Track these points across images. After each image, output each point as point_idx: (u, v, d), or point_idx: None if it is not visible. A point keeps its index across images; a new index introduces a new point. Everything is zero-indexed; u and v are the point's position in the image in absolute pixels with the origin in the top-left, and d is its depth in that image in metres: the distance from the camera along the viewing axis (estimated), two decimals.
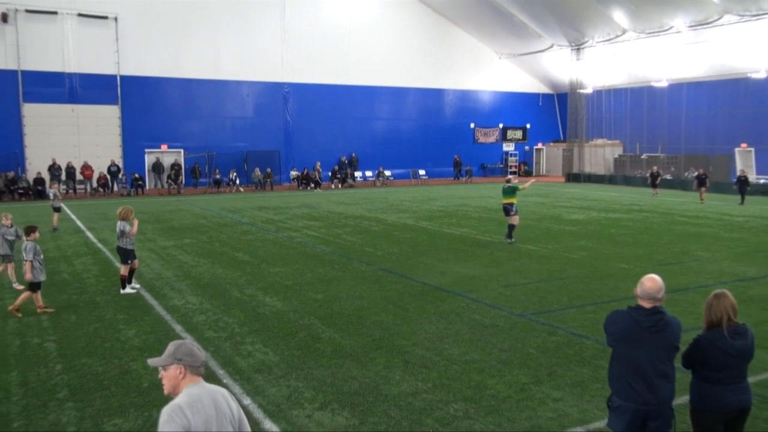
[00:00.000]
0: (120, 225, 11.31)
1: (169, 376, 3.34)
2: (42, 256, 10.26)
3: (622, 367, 4.46)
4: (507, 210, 16.76)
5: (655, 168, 33.13)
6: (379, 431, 5.94)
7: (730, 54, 34.09)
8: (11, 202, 29.80)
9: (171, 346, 3.40)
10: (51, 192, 21.00)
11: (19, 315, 9.95)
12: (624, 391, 4.44)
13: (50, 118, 33.21)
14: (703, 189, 28.23)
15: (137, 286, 11.80)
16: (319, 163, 38.34)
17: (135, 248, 11.72)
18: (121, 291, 11.42)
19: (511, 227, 16.68)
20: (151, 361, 3.45)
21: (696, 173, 30.81)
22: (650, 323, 4.42)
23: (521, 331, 8.98)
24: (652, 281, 4.50)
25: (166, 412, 3.19)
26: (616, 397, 4.51)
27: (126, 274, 11.49)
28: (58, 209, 20.15)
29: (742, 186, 27.10)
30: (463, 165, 43.21)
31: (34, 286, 10.08)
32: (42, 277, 10.18)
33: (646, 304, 4.48)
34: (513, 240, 16.58)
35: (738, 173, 28.93)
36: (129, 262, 11.42)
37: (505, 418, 6.21)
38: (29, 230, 10.37)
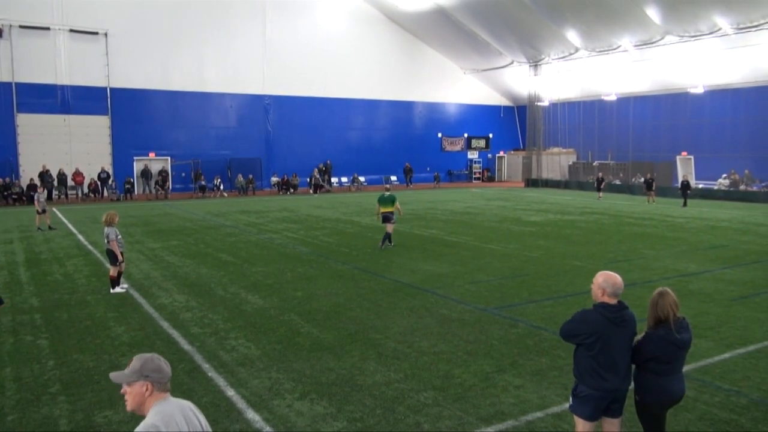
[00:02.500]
0: (106, 231, 11.03)
1: (134, 393, 2.98)
2: None
3: (595, 362, 4.39)
4: (387, 218, 15.63)
5: (600, 174, 33.89)
6: (354, 418, 5.91)
7: (671, 71, 34.80)
8: (5, 207, 29.12)
9: (136, 361, 3.01)
10: (41, 196, 20.64)
11: None
12: (595, 382, 4.40)
13: (43, 127, 32.49)
14: (651, 192, 29.00)
15: (126, 285, 11.59)
16: (316, 170, 38.76)
17: (124, 250, 11.52)
18: (111, 291, 11.20)
19: (387, 235, 15.69)
20: (115, 377, 3.03)
21: (644, 178, 31.48)
22: (620, 318, 4.42)
23: (485, 324, 9.02)
24: (618, 278, 4.47)
25: None
26: (585, 386, 4.45)
27: (115, 275, 11.26)
28: (43, 211, 19.99)
29: (684, 190, 27.73)
30: (414, 172, 42.97)
31: None
32: None
33: (612, 301, 4.45)
34: (384, 247, 15.57)
35: (681, 178, 29.60)
36: (117, 263, 11.22)
37: (471, 404, 6.22)
38: None
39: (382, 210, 15.65)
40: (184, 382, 6.76)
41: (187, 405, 3.07)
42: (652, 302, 4.59)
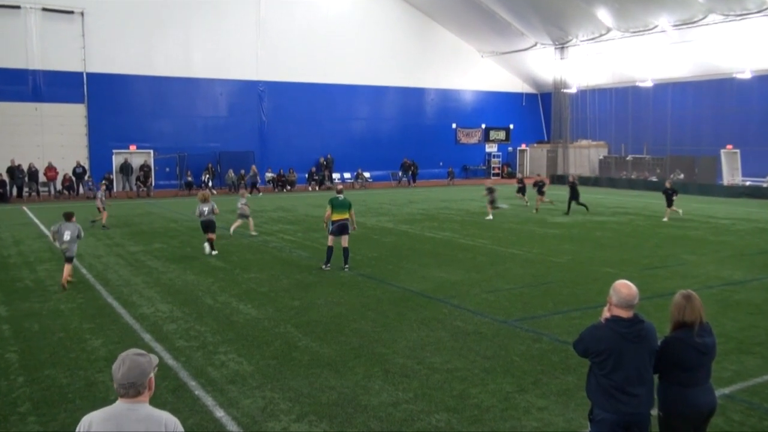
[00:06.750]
0: (208, 205, 15.53)
1: None
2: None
3: (608, 381, 4.44)
4: (343, 228, 13.42)
5: (667, 184, 24.81)
6: None
7: (715, 54, 34.67)
8: None
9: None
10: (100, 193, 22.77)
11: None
12: (609, 403, 4.45)
13: (12, 117, 32.70)
14: (540, 197, 25.68)
15: (214, 252, 15.37)
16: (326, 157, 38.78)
17: (214, 221, 15.73)
18: (213, 252, 15.39)
19: (330, 251, 13.58)
20: None
21: (534, 182, 26.79)
22: (634, 334, 4.43)
23: (505, 338, 9.01)
24: (627, 288, 4.48)
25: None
26: (599, 409, 4.50)
27: (214, 238, 15.55)
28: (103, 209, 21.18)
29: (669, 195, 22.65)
30: (419, 167, 42.84)
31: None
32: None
33: (625, 314, 4.46)
34: (327, 267, 13.59)
35: (666, 184, 24.03)
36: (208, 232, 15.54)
37: (488, 428, 6.21)
38: (69, 215, 13.19)
39: (335, 216, 13.38)
40: (168, 401, 6.78)
41: (134, 418, 3.16)
42: (678, 306, 4.63)
